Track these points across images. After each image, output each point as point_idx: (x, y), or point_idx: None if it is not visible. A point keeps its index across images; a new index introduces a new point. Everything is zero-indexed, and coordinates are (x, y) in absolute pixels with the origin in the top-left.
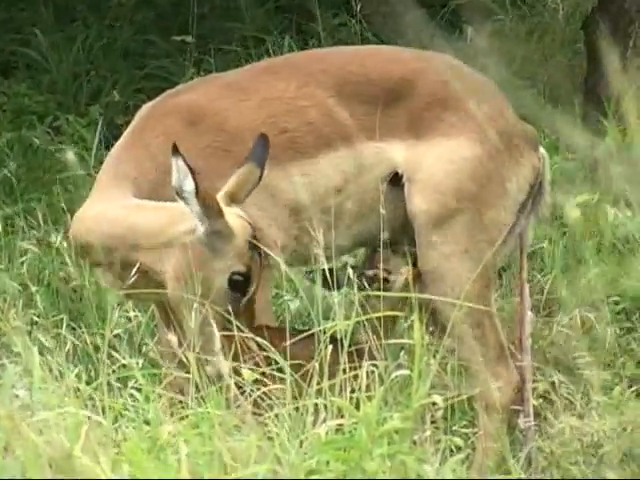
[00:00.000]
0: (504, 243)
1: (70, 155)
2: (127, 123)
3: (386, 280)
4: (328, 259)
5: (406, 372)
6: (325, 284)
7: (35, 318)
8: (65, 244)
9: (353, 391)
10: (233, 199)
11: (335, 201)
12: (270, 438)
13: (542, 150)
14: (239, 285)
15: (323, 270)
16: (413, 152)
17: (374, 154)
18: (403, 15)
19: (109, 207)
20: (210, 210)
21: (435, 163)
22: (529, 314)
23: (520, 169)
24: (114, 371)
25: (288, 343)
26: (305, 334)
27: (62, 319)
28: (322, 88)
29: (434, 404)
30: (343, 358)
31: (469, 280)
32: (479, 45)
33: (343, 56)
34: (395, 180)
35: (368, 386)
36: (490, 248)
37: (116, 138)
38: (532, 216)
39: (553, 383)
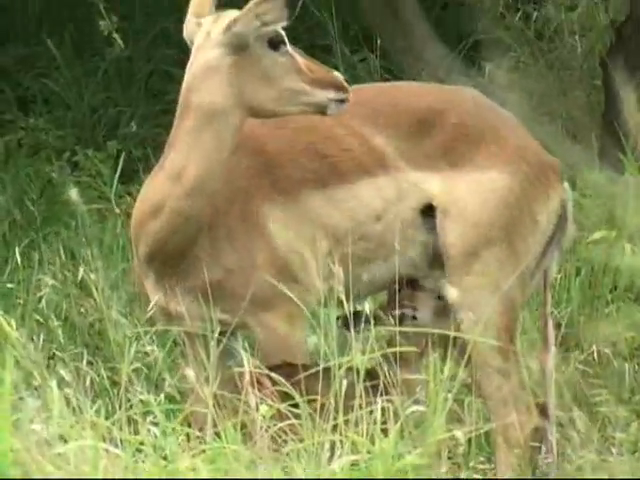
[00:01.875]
0: (532, 277)
1: (74, 193)
2: (145, 156)
3: (414, 317)
4: (358, 297)
5: (421, 408)
6: (345, 324)
7: (54, 351)
8: (87, 277)
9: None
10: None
11: (374, 229)
12: (287, 473)
13: (565, 183)
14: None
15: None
16: (447, 183)
17: (411, 183)
18: (422, 51)
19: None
20: None
21: (469, 194)
22: (553, 349)
23: (549, 201)
24: (132, 406)
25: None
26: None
27: (81, 353)
28: (357, 118)
29: (453, 439)
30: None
31: (498, 312)
32: (498, 80)
33: (373, 90)
34: (427, 211)
35: (384, 421)
36: (520, 281)
37: (135, 172)
38: (556, 250)
39: (571, 419)
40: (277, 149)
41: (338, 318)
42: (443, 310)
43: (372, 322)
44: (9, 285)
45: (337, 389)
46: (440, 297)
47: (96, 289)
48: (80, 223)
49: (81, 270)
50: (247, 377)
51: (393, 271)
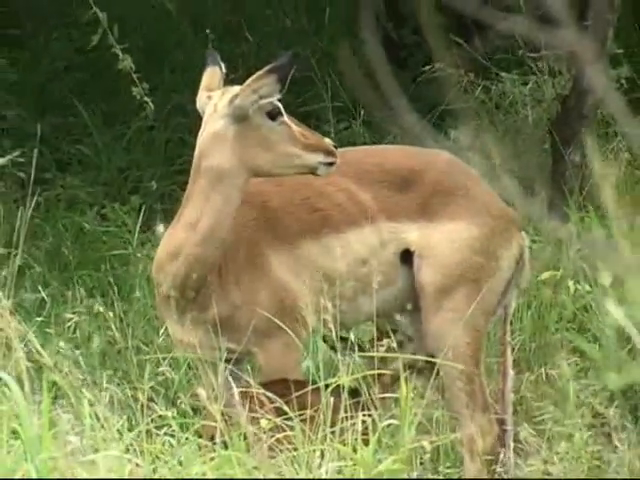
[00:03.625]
0: (494, 312)
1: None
2: (163, 209)
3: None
4: (345, 327)
5: (394, 421)
6: (332, 347)
7: (84, 375)
8: (110, 313)
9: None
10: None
11: (361, 271)
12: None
13: (523, 232)
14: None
15: (332, 335)
16: (423, 232)
17: (392, 232)
18: (398, 120)
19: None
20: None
21: (442, 242)
22: (511, 372)
23: (510, 248)
24: (152, 420)
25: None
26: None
27: (109, 375)
28: (345, 177)
29: (422, 448)
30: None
31: (465, 343)
32: (462, 144)
33: (361, 152)
34: (405, 257)
35: (365, 433)
36: (484, 316)
37: (154, 222)
38: (515, 288)
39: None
40: (278, 204)
41: (326, 340)
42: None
43: (356, 348)
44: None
45: (325, 405)
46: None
47: (115, 323)
48: (109, 266)
49: (99, 307)
50: (249, 396)
51: (376, 305)
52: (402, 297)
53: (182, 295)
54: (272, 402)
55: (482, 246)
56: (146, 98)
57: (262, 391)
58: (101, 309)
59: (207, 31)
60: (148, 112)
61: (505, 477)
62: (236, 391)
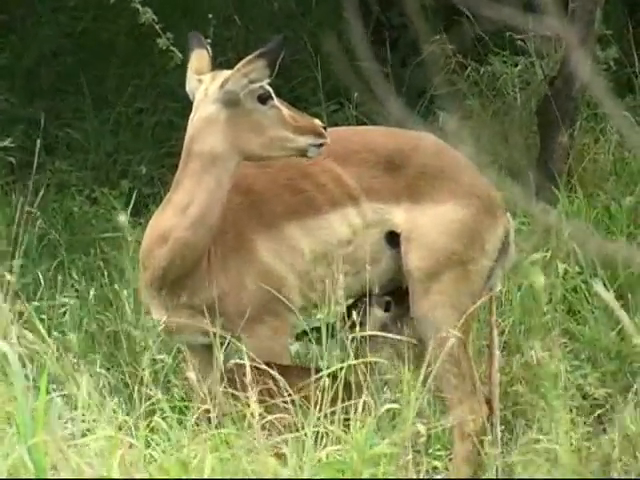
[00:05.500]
0: (481, 293)
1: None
2: (152, 193)
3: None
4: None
5: (395, 406)
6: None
7: (77, 359)
8: (110, 295)
9: (348, 420)
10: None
11: (346, 251)
12: (279, 458)
13: (508, 214)
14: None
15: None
16: (410, 214)
17: (377, 213)
18: (384, 103)
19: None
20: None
21: (428, 225)
22: (497, 353)
23: (495, 230)
24: (152, 404)
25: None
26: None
27: (99, 359)
28: (330, 158)
29: (418, 432)
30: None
31: (453, 326)
32: (450, 127)
33: (348, 132)
34: (390, 238)
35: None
36: (471, 298)
37: (144, 206)
38: (500, 269)
39: (513, 412)
40: (262, 187)
41: (310, 331)
42: (392, 322)
43: (347, 333)
44: (36, 304)
45: (321, 390)
46: (386, 309)
47: (116, 306)
48: (98, 250)
49: (90, 291)
50: (249, 376)
51: (361, 284)
52: (386, 277)
53: (169, 281)
54: (265, 384)
55: (468, 229)
56: (172, 48)
57: (252, 374)
58: (91, 293)
59: (210, 16)
60: (176, 60)
61: (494, 459)
62: (232, 367)
